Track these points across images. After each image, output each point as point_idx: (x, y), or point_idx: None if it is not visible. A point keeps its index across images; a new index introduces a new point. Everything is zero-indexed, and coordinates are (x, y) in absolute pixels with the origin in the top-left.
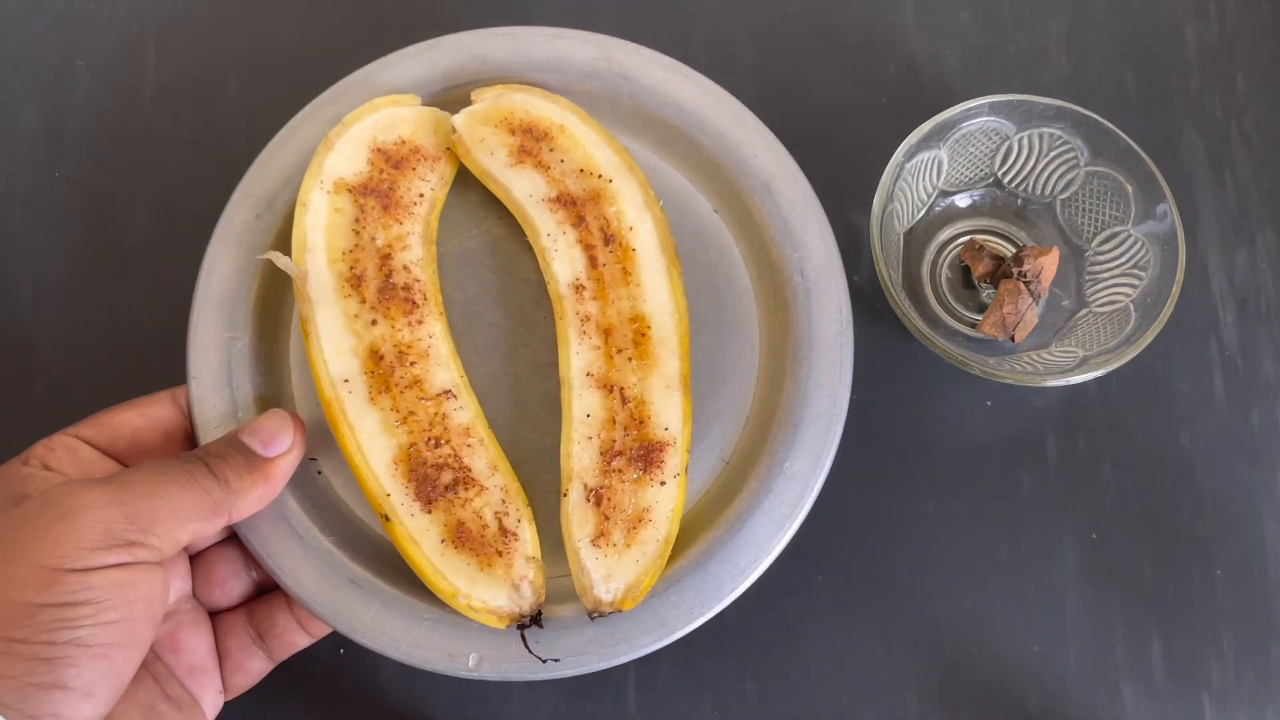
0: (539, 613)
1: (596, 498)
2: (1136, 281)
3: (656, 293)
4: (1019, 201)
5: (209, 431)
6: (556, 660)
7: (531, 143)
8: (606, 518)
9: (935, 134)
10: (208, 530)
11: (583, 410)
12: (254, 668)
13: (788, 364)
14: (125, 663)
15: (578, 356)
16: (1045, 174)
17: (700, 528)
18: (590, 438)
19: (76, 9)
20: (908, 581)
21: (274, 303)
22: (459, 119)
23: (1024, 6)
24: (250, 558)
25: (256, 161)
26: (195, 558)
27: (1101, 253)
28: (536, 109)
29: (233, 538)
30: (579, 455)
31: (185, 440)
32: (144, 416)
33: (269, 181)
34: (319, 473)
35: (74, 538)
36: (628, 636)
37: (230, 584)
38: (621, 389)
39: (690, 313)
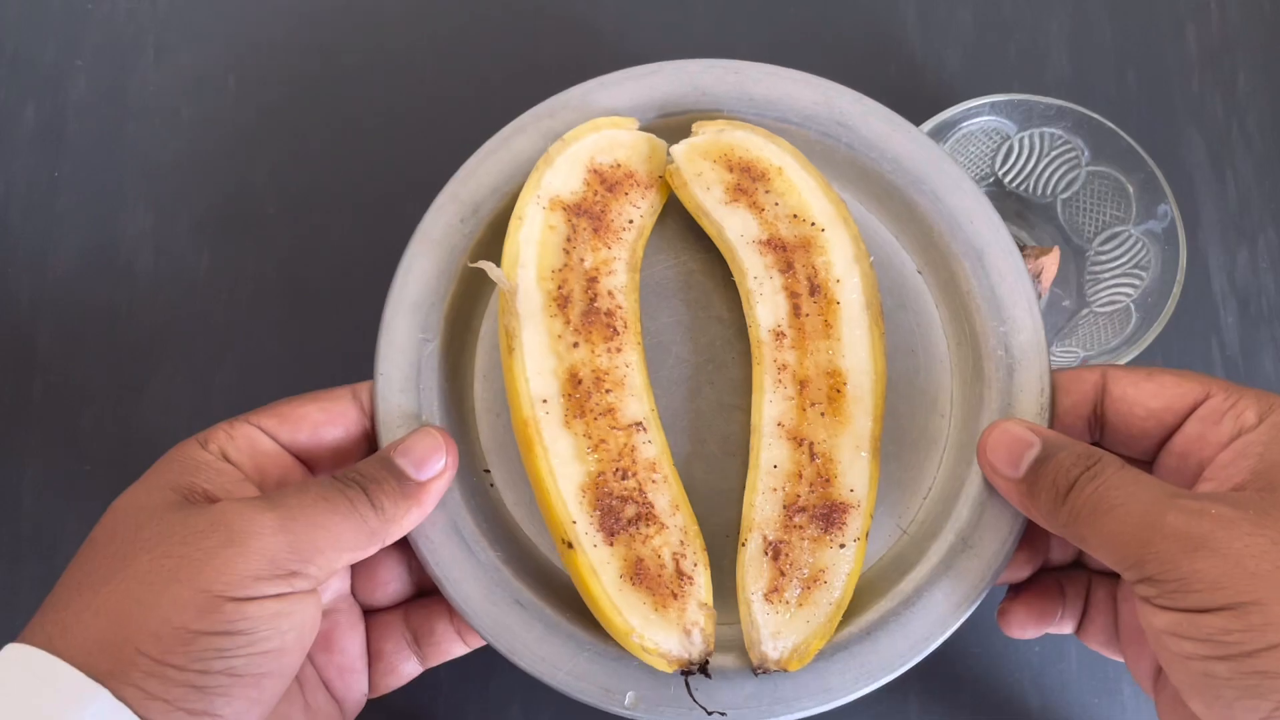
0: (707, 661)
1: (775, 551)
2: (1138, 281)
3: (856, 349)
4: (1020, 201)
5: (390, 431)
6: (723, 715)
7: (748, 182)
8: (782, 573)
9: (936, 134)
10: (362, 556)
11: (770, 460)
12: (406, 670)
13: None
14: (273, 691)
15: (770, 405)
16: (1046, 174)
17: (872, 596)
18: (775, 489)
19: (76, 9)
20: None
21: (466, 310)
22: (678, 149)
23: (1024, 6)
24: (411, 559)
25: (465, 166)
26: None
27: (1102, 252)
28: (757, 148)
29: None
30: (762, 506)
31: (363, 438)
32: (325, 411)
33: (476, 188)
34: (491, 485)
35: (239, 565)
36: (787, 697)
37: (392, 586)
38: (811, 444)
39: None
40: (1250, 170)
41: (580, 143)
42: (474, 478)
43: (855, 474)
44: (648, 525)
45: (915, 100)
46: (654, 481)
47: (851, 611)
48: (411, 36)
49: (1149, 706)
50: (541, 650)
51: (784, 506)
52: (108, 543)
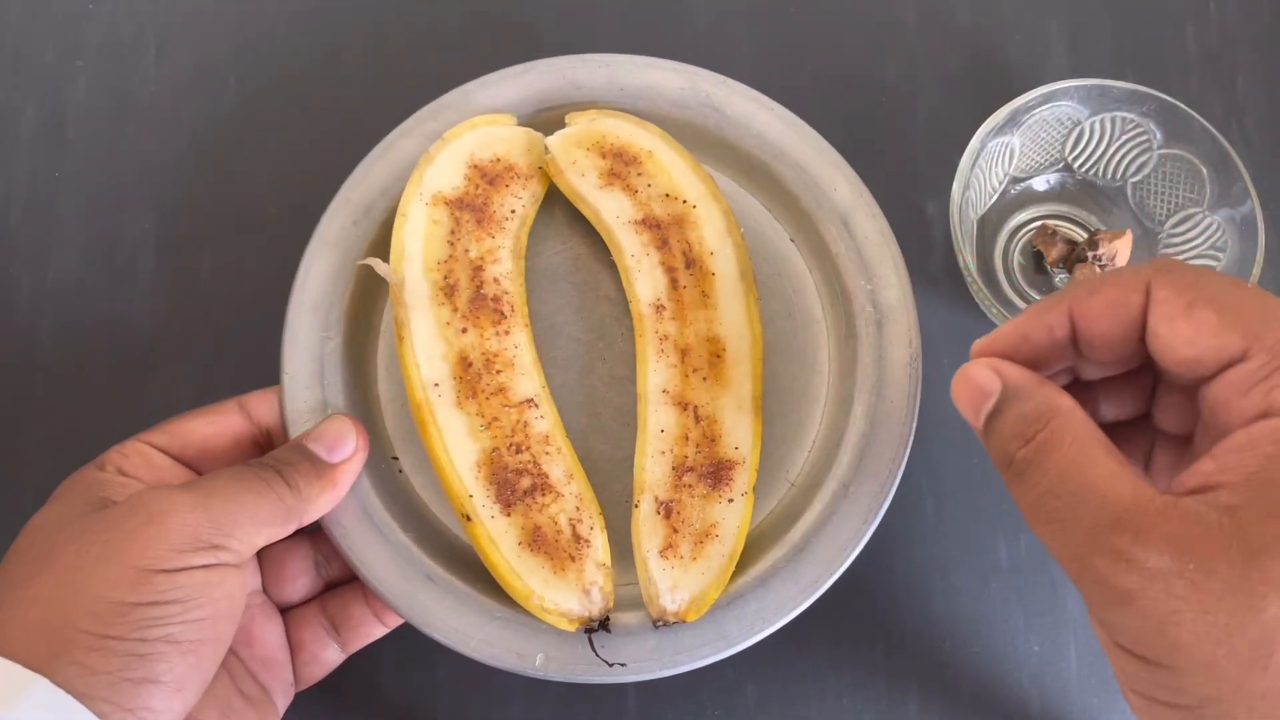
0: (607, 618)
1: (666, 510)
2: (1214, 263)
3: (733, 316)
4: (1089, 185)
5: (299, 426)
6: (623, 665)
7: (621, 166)
8: (675, 530)
9: (1008, 122)
10: (281, 534)
11: (657, 425)
12: (328, 658)
13: (856, 392)
14: (211, 658)
15: (655, 374)
16: (1117, 157)
17: (764, 546)
18: (663, 452)
19: (76, 9)
20: (907, 582)
21: (365, 306)
22: (553, 140)
23: (1024, 6)
24: (318, 555)
25: (356, 170)
26: (264, 556)
27: (1175, 235)
28: (627, 134)
29: (300, 536)
30: (651, 469)
31: (253, 446)
32: (213, 424)
33: (367, 190)
34: (400, 471)
35: (163, 540)
36: (689, 647)
37: (300, 581)
38: (695, 407)
39: (763, 337)
40: (1249, 170)
41: (459, 140)
42: (383, 465)
43: (739, 433)
44: (543, 495)
45: (915, 100)
46: (548, 454)
47: (745, 563)
48: (413, 36)
49: None
50: (454, 621)
51: (672, 468)
52: (29, 549)
